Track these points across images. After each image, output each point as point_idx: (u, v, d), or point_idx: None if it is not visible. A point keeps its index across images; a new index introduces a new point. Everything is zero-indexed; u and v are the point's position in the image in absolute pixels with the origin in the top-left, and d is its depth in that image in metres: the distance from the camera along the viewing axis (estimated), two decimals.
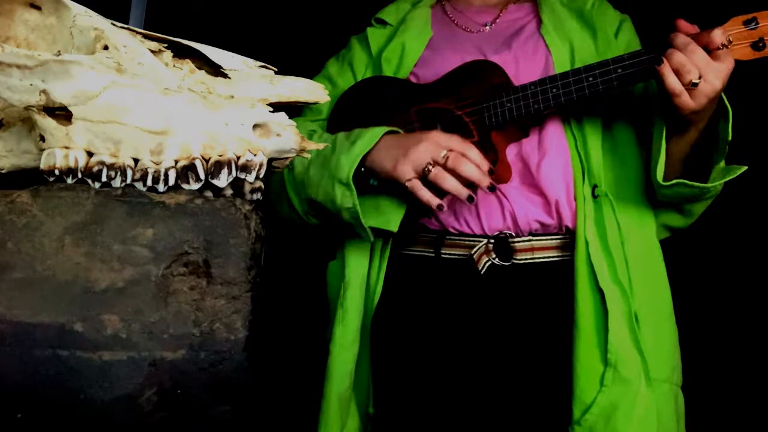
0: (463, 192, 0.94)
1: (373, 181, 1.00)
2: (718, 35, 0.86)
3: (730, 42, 0.87)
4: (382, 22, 1.24)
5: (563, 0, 1.16)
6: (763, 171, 1.02)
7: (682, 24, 0.92)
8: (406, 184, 0.96)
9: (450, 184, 0.93)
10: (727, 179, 0.94)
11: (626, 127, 1.07)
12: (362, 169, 0.99)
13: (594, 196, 1.00)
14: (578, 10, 1.13)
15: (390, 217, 1.01)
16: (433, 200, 0.95)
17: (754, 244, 1.64)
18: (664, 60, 0.88)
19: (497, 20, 1.17)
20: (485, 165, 0.94)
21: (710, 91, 0.88)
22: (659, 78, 0.89)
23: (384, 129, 1.00)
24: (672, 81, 0.88)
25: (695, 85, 0.87)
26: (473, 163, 0.93)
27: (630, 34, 1.13)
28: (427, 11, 1.22)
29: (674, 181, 0.95)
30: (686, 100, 0.88)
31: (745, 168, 0.94)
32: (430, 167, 0.94)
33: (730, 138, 0.93)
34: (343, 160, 0.98)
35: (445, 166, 0.93)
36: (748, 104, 1.06)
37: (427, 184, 0.95)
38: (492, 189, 0.94)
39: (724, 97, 0.93)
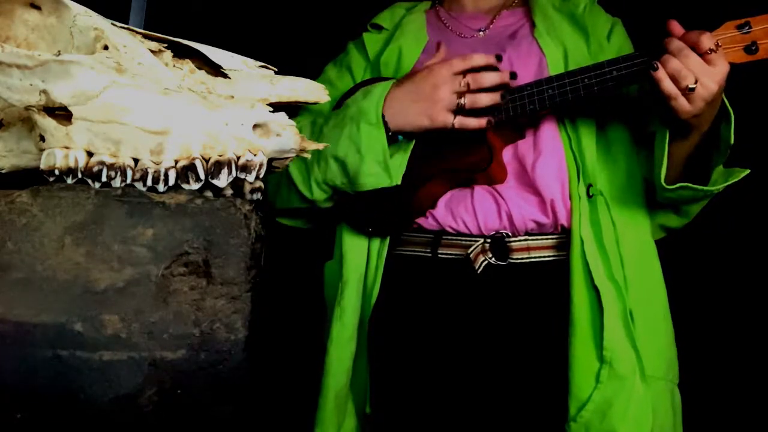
0: (497, 98, 1.00)
1: (401, 137, 1.03)
2: (705, 40, 0.88)
3: (718, 46, 0.88)
4: (378, 27, 1.25)
5: (555, 4, 1.17)
6: (759, 170, 1.02)
7: (674, 26, 0.92)
8: (455, 126, 0.99)
9: (486, 100, 0.99)
10: (730, 182, 0.95)
11: (620, 127, 1.08)
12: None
13: (589, 195, 1.01)
14: (570, 14, 1.14)
15: (393, 172, 1.02)
16: (482, 121, 1.00)
17: (751, 243, 1.65)
18: (659, 65, 0.89)
19: (491, 26, 1.18)
20: (493, 60, 1.01)
21: (707, 95, 0.89)
22: (654, 83, 0.90)
23: (391, 80, 1.05)
24: (667, 85, 0.89)
25: (692, 90, 0.87)
26: (487, 69, 0.99)
27: (622, 37, 1.14)
28: (422, 16, 1.23)
29: (678, 185, 0.95)
30: (683, 103, 0.89)
31: (747, 171, 0.95)
32: (461, 100, 0.99)
33: (732, 141, 0.94)
34: (366, 105, 1.01)
35: (471, 91, 0.99)
36: (746, 106, 1.06)
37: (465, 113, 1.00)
38: (513, 76, 1.01)
39: (726, 100, 0.93)
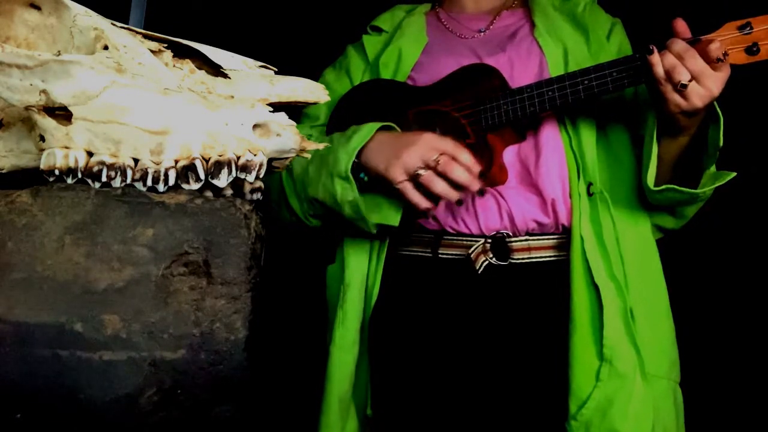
0: (453, 195, 0.95)
1: (363, 175, 1.01)
2: (715, 49, 0.87)
3: (726, 56, 0.88)
4: (378, 29, 1.25)
5: (555, 3, 1.17)
6: (762, 168, 1.02)
7: (680, 24, 0.92)
8: (397, 186, 0.96)
9: (440, 187, 0.94)
10: (717, 185, 0.95)
11: (619, 127, 1.08)
12: (356, 161, 0.99)
13: (589, 194, 1.01)
14: (570, 13, 1.14)
15: (390, 212, 1.01)
16: (423, 203, 0.96)
17: (752, 242, 1.65)
18: (654, 50, 0.89)
19: (491, 26, 1.18)
20: (476, 168, 0.94)
21: (707, 96, 0.89)
22: (649, 69, 0.90)
23: (379, 124, 1.01)
24: (660, 71, 0.89)
25: (684, 87, 0.88)
26: (464, 166, 0.93)
27: (621, 37, 1.14)
28: (422, 18, 1.24)
29: (664, 187, 0.95)
30: (676, 97, 0.89)
31: (733, 174, 0.94)
32: (422, 171, 0.94)
33: (721, 144, 0.94)
34: (341, 155, 0.99)
35: (436, 170, 0.94)
36: (745, 105, 1.06)
37: (418, 186, 0.96)
38: (481, 193, 0.95)
39: (715, 103, 0.93)
